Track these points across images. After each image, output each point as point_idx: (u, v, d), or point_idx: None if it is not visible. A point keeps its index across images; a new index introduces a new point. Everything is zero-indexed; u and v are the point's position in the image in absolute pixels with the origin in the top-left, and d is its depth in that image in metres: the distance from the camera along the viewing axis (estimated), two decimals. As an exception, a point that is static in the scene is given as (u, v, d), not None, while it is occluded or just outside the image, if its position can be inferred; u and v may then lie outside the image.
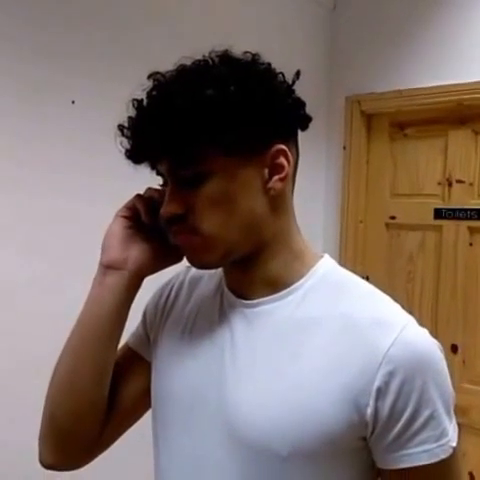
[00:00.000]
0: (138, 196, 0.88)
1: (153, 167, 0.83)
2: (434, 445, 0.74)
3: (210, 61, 0.80)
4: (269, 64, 0.82)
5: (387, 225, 2.78)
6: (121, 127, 0.82)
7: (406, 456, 0.74)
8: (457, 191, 2.56)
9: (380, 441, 0.75)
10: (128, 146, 0.82)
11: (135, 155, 0.82)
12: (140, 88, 0.81)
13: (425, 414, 0.73)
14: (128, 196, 0.89)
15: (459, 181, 2.55)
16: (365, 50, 2.72)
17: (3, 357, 1.64)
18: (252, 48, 0.83)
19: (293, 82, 0.83)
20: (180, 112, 0.74)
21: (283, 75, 0.82)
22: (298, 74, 0.84)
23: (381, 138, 2.78)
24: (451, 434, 0.75)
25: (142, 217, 0.86)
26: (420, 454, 0.73)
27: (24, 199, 1.68)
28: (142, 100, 0.80)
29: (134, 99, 0.80)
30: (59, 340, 0.90)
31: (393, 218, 2.75)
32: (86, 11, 1.79)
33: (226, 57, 0.81)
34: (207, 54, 0.81)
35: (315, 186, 2.82)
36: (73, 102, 1.77)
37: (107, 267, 0.86)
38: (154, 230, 0.86)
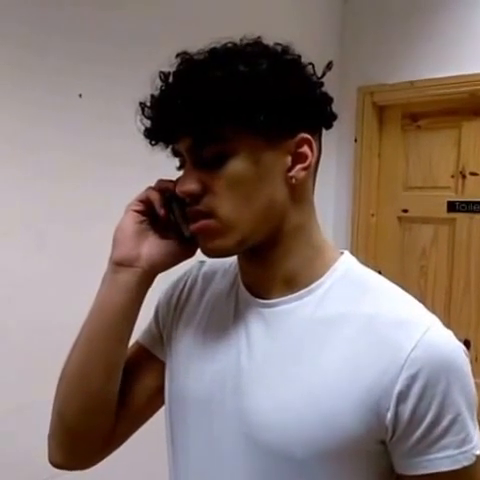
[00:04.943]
0: (151, 188, 0.85)
1: (172, 146, 0.80)
2: (456, 451, 0.71)
3: (241, 44, 0.78)
4: (299, 55, 0.80)
5: (399, 218, 2.75)
6: (142, 105, 0.79)
7: (427, 462, 0.71)
8: (471, 183, 2.53)
9: (400, 446, 0.72)
10: (148, 125, 0.79)
11: (157, 131, 0.79)
12: (167, 65, 0.78)
13: (448, 418, 0.71)
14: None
15: (473, 173, 2.53)
16: (377, 41, 2.70)
17: (15, 350, 1.65)
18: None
19: (323, 74, 0.81)
20: (210, 84, 0.72)
21: (313, 67, 0.80)
22: (329, 65, 0.82)
23: (393, 130, 2.75)
24: (475, 441, 0.73)
25: (156, 210, 0.83)
26: (441, 460, 0.71)
27: (30, 194, 1.68)
28: (169, 73, 0.77)
29: (161, 72, 0.78)
30: (70, 337, 0.88)
31: (405, 211, 2.72)
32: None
33: (259, 42, 0.79)
34: (239, 40, 0.79)
35: (326, 179, 2.76)
36: (80, 95, 1.77)
37: (118, 264, 0.84)
38: (167, 224, 0.84)
